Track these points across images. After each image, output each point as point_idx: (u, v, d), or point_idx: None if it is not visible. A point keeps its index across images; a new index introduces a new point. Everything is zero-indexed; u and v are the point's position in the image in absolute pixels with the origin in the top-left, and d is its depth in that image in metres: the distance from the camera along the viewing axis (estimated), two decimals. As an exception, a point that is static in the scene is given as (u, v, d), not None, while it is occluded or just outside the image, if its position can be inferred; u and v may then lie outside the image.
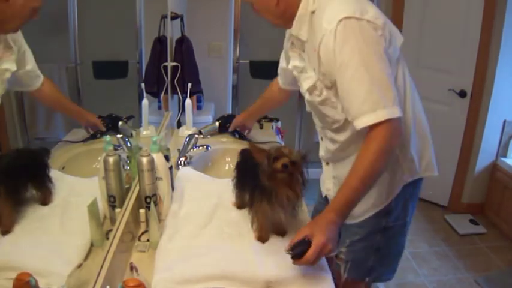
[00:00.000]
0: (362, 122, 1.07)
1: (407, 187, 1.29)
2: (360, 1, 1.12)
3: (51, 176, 0.98)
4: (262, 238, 1.21)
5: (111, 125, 1.30)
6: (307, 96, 1.26)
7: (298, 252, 1.01)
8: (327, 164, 1.42)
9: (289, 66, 1.32)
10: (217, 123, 2.04)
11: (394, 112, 1.06)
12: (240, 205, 1.37)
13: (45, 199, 0.97)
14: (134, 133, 1.45)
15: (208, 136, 2.00)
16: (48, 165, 0.98)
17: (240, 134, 2.01)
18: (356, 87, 1.07)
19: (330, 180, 1.42)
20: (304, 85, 1.24)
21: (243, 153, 1.37)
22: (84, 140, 1.20)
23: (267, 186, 1.14)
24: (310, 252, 1.00)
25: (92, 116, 1.23)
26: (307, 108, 1.36)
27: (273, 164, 1.12)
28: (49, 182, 0.97)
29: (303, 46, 1.22)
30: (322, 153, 1.42)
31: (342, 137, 1.25)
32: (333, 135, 1.28)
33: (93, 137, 1.23)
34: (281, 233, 1.23)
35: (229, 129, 1.99)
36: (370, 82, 1.05)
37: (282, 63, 1.52)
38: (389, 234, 1.32)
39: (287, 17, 1.19)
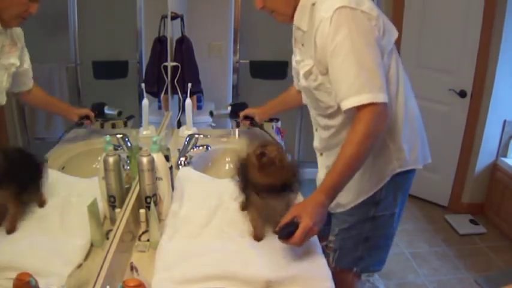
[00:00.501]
0: (347, 103, 1.13)
1: (397, 177, 1.31)
2: None
3: (43, 179, 0.97)
4: (256, 236, 1.21)
5: (97, 112, 1.30)
6: (303, 82, 1.30)
7: (285, 233, 1.07)
8: (321, 154, 1.46)
9: (293, 62, 1.38)
10: (229, 108, 1.99)
11: (379, 97, 1.11)
12: (243, 207, 1.36)
13: (40, 202, 0.97)
14: (120, 112, 1.42)
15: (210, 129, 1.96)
16: (42, 168, 0.98)
17: (251, 121, 1.94)
18: (345, 72, 1.13)
19: (323, 170, 1.44)
20: (301, 72, 1.29)
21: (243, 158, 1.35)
22: (76, 126, 1.20)
23: (253, 180, 1.16)
24: (297, 235, 1.05)
25: (81, 109, 1.23)
26: (304, 100, 1.41)
27: (255, 159, 1.13)
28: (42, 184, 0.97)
29: (303, 38, 1.27)
30: (316, 143, 1.46)
31: (335, 122, 1.30)
32: (327, 121, 1.32)
33: (80, 124, 1.22)
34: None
35: (240, 117, 1.93)
36: (359, 68, 1.11)
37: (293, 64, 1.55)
38: (377, 223, 1.35)
39: (294, 7, 1.24)
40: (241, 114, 1.91)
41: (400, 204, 1.38)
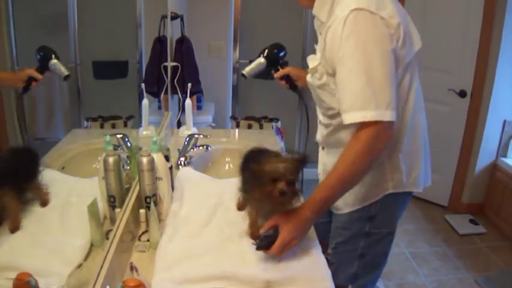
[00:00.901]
0: (350, 117, 1.06)
1: (395, 197, 1.26)
2: None
3: (41, 177, 0.96)
4: (253, 235, 1.19)
5: (42, 68, 1.06)
6: (308, 77, 1.25)
7: (263, 244, 1.08)
8: (323, 148, 1.41)
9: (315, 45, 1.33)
10: (262, 59, 1.62)
11: (385, 115, 1.03)
12: (240, 206, 1.37)
13: (43, 201, 0.97)
14: (67, 73, 1.14)
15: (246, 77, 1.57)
16: (39, 166, 0.97)
17: (290, 81, 1.60)
18: (352, 81, 1.05)
19: (321, 166, 1.42)
20: (310, 65, 1.23)
21: (247, 155, 1.31)
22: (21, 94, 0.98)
23: (259, 197, 1.13)
24: (275, 247, 1.05)
25: (23, 72, 1.02)
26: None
27: (270, 185, 1.07)
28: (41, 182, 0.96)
29: (320, 28, 1.20)
30: (318, 137, 1.40)
31: (334, 121, 1.25)
32: (327, 119, 1.28)
33: (26, 89, 1.01)
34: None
35: (277, 74, 1.61)
36: (367, 79, 1.03)
37: None
38: (372, 240, 1.31)
39: None
40: (278, 74, 1.61)
41: (395, 224, 1.33)
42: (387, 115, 1.03)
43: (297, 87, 1.60)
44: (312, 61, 1.22)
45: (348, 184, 1.11)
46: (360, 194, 1.26)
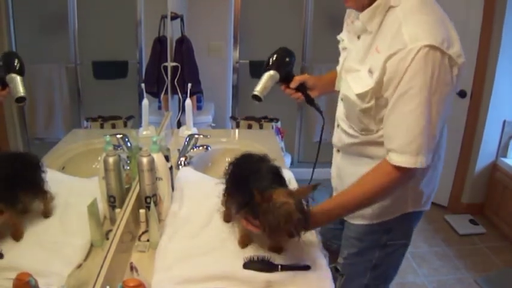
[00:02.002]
0: (400, 160, 1.03)
1: (411, 214, 1.26)
2: (448, 26, 1.05)
3: (46, 184, 0.95)
4: (242, 243, 1.17)
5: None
6: (354, 99, 1.14)
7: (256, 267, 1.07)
8: (338, 151, 1.36)
9: (337, 36, 1.28)
10: (273, 72, 1.35)
11: (427, 161, 1.04)
12: (228, 218, 1.29)
13: (46, 210, 0.96)
14: (22, 94, 0.85)
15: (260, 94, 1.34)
16: (42, 172, 0.95)
17: (307, 94, 1.40)
18: (411, 124, 1.01)
19: (335, 169, 1.38)
20: (355, 88, 1.13)
21: (238, 161, 1.25)
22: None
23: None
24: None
25: None
26: (336, 87, 1.28)
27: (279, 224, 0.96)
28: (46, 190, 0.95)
29: (363, 32, 1.14)
30: (335, 140, 1.34)
31: (364, 137, 1.20)
32: (355, 133, 1.22)
33: None
34: (277, 250, 1.14)
35: (293, 84, 1.40)
36: (426, 125, 1.00)
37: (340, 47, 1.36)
38: (387, 252, 1.29)
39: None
40: (293, 84, 1.40)
41: (410, 236, 1.32)
42: (428, 161, 1.04)
43: (313, 101, 1.41)
44: (357, 81, 1.12)
45: (359, 208, 1.13)
46: (377, 210, 1.24)
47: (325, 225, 1.14)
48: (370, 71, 1.07)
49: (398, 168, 1.05)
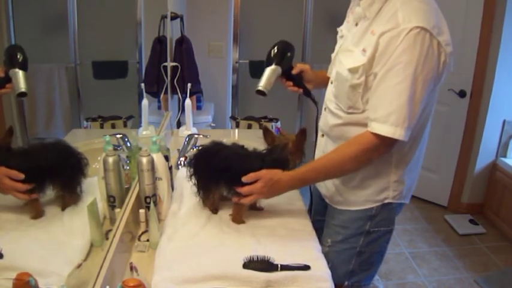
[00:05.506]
0: (380, 128, 1.09)
1: (393, 204, 1.28)
2: (441, 17, 1.11)
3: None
4: (236, 220, 1.30)
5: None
6: (345, 74, 1.19)
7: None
8: (322, 135, 1.40)
9: (338, 28, 1.34)
10: (274, 66, 1.38)
11: (405, 136, 1.08)
12: (214, 208, 1.36)
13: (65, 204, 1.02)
14: (24, 90, 0.86)
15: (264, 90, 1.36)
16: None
17: (304, 86, 1.45)
18: (394, 96, 1.07)
19: (320, 153, 1.40)
20: (346, 63, 1.19)
21: (199, 153, 1.35)
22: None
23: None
24: (245, 188, 1.20)
25: None
26: (331, 79, 1.32)
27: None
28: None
29: (360, 19, 1.19)
30: (321, 124, 1.39)
31: (348, 117, 1.23)
32: (341, 113, 1.25)
33: None
34: (257, 208, 1.36)
35: (294, 71, 1.44)
36: (408, 99, 1.06)
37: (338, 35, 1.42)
38: (372, 238, 1.31)
39: None
40: (295, 71, 1.45)
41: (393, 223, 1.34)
42: (406, 136, 1.09)
43: (310, 93, 1.46)
44: (350, 58, 1.18)
45: (333, 175, 1.24)
46: (361, 197, 1.28)
47: (300, 186, 1.26)
48: (364, 50, 1.14)
49: (377, 136, 1.11)
